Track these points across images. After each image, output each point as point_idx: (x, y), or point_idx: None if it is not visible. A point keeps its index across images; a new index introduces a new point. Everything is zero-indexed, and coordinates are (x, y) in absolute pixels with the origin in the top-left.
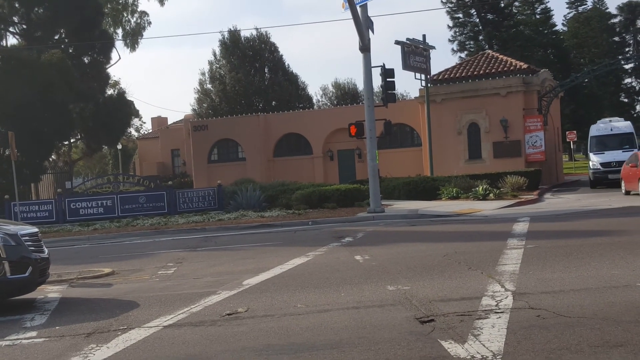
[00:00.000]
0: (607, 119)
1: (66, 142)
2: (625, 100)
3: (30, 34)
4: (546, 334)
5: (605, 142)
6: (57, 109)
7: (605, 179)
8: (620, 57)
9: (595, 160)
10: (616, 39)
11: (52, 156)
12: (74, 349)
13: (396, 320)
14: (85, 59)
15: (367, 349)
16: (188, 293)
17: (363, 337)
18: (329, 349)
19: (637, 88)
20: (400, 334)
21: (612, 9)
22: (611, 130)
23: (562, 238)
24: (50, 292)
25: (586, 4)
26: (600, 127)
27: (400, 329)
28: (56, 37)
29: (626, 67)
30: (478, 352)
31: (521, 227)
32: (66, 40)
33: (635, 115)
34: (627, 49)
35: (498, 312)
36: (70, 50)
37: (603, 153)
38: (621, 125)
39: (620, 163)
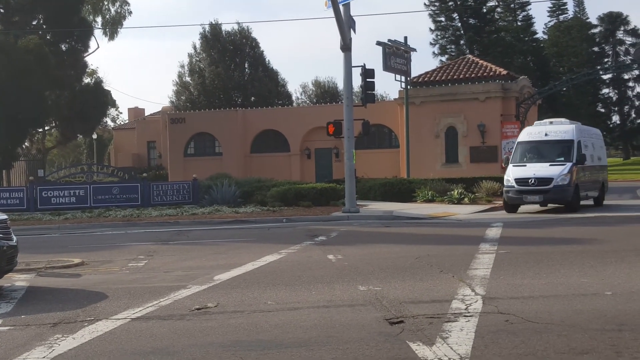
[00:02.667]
0: (548, 120)
1: (40, 130)
2: (602, 110)
3: (7, 18)
4: (514, 339)
5: (535, 151)
6: (32, 95)
7: (521, 202)
8: (598, 67)
9: (510, 175)
10: (595, 49)
11: (26, 143)
12: (39, 339)
13: (366, 321)
14: (63, 46)
15: (336, 348)
16: (158, 286)
17: (332, 336)
18: (297, 346)
19: (614, 99)
20: (369, 334)
21: (593, 19)
22: (545, 135)
23: (533, 245)
24: (18, 280)
25: (567, 13)
26: (533, 132)
27: (369, 329)
28: (34, 23)
29: (604, 77)
30: (445, 355)
31: (494, 232)
32: (44, 26)
33: (611, 125)
34: (606, 60)
35: (467, 316)
36: (48, 37)
37: (525, 165)
38: (561, 129)
39: (543, 180)
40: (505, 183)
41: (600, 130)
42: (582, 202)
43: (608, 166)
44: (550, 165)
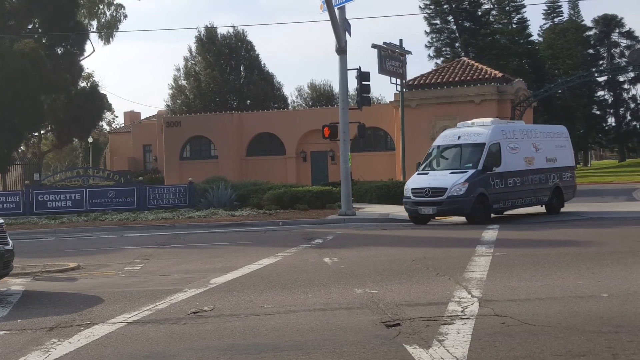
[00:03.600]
0: (470, 122)
1: (36, 134)
2: (598, 112)
3: (3, 22)
4: (510, 341)
5: (444, 157)
6: (28, 99)
7: (417, 214)
8: (594, 69)
9: (408, 184)
10: (591, 51)
11: (21, 147)
12: (35, 343)
13: (362, 324)
14: (58, 49)
15: (332, 352)
16: (154, 290)
17: (328, 339)
18: (293, 350)
19: (609, 101)
20: (366, 337)
21: (588, 22)
22: (458, 138)
23: (530, 247)
24: (14, 284)
25: (562, 16)
26: (449, 134)
27: (365, 332)
28: (30, 27)
29: (599, 79)
30: (442, 358)
31: (490, 234)
32: (40, 30)
33: (607, 127)
34: (601, 62)
35: (464, 319)
36: (44, 41)
37: (427, 174)
38: (475, 131)
39: (436, 191)
40: (404, 193)
41: (596, 132)
42: (527, 209)
43: (604, 168)
44: (451, 173)
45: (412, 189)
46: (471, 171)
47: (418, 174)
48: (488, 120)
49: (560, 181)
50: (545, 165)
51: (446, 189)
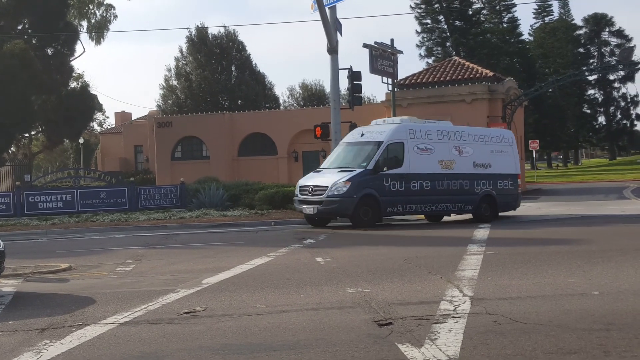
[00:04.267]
0: (382, 120)
1: (26, 135)
2: (588, 111)
3: None
4: (502, 339)
5: (343, 155)
6: (18, 100)
7: (302, 213)
8: (584, 68)
9: (299, 181)
10: (581, 50)
11: (12, 148)
12: (27, 344)
13: (354, 323)
14: (48, 50)
15: (325, 351)
16: (146, 290)
17: (321, 339)
18: (286, 349)
19: (600, 100)
20: (358, 336)
21: (578, 21)
22: (361, 136)
23: (521, 245)
24: (5, 286)
25: (552, 15)
26: (356, 132)
27: (358, 331)
28: (19, 27)
29: (590, 78)
30: (434, 356)
31: (482, 233)
32: (29, 30)
33: (597, 126)
34: (591, 61)
35: (455, 317)
36: (34, 41)
37: (320, 171)
38: (379, 129)
39: (318, 190)
40: (295, 191)
41: (586, 131)
42: (454, 216)
43: (595, 167)
44: (339, 172)
45: (299, 187)
46: (359, 170)
47: (314, 172)
48: (398, 118)
49: (494, 189)
50: (472, 171)
51: (327, 187)
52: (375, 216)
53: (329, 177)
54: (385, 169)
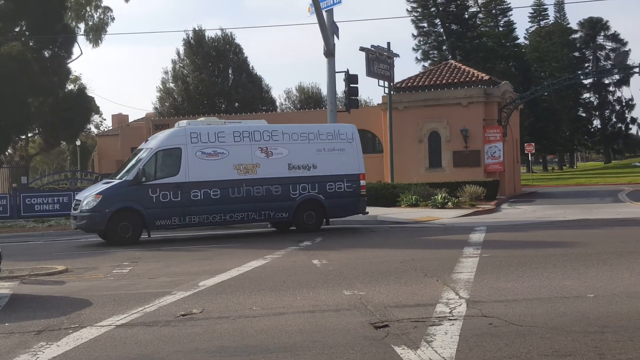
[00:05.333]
0: (185, 122)
1: (23, 137)
2: (583, 114)
3: None
4: (497, 341)
5: (127, 164)
6: (16, 102)
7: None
8: (579, 72)
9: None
10: (576, 54)
11: (9, 150)
12: (23, 347)
13: (351, 325)
14: (46, 52)
15: (321, 353)
16: (142, 293)
17: (317, 341)
18: (282, 351)
19: (595, 103)
20: (355, 338)
21: (574, 25)
22: (146, 142)
23: (517, 248)
24: (1, 288)
25: (548, 19)
26: (151, 137)
27: (354, 333)
28: (17, 30)
29: (585, 82)
30: (430, 359)
31: (477, 236)
32: (27, 33)
33: (592, 129)
34: (586, 64)
35: (451, 319)
36: (31, 44)
37: (111, 182)
38: (158, 135)
39: (77, 204)
40: None
41: (582, 134)
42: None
43: (590, 170)
44: (103, 183)
45: (76, 199)
46: (117, 182)
47: (101, 182)
48: (185, 122)
49: (321, 193)
50: (285, 174)
51: (80, 201)
52: (137, 232)
53: (91, 189)
54: (153, 178)
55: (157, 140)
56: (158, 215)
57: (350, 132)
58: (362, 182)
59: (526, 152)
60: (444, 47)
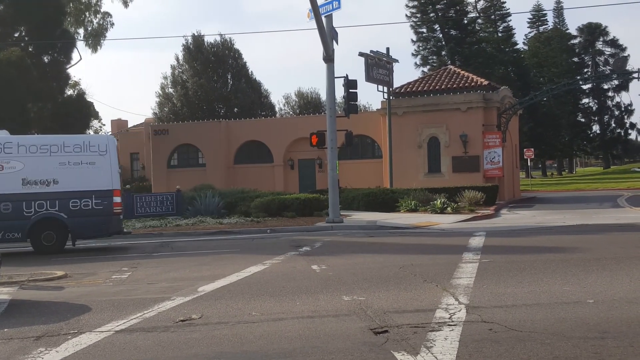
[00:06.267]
0: None
1: None
2: (582, 120)
3: None
4: (497, 347)
5: None
6: (15, 107)
7: None
8: (578, 77)
9: None
10: (575, 59)
11: None
12: (22, 352)
13: (350, 331)
14: (45, 58)
15: (320, 359)
16: (142, 298)
17: (316, 347)
18: (282, 357)
19: (594, 108)
20: (354, 344)
21: (573, 30)
22: None
23: (516, 253)
24: (0, 293)
25: (547, 24)
26: None
27: (354, 339)
28: (16, 35)
29: (584, 87)
30: None
31: (477, 241)
32: (26, 38)
33: (591, 135)
34: (585, 70)
35: (451, 325)
36: (30, 49)
37: None
38: None
39: None
40: None
41: (581, 139)
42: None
43: (589, 175)
44: None
45: None
46: None
47: None
48: None
49: (62, 211)
50: (18, 190)
51: None
52: None
53: None
54: None
55: None
56: None
57: (103, 143)
58: (117, 199)
59: (525, 157)
60: (443, 53)
